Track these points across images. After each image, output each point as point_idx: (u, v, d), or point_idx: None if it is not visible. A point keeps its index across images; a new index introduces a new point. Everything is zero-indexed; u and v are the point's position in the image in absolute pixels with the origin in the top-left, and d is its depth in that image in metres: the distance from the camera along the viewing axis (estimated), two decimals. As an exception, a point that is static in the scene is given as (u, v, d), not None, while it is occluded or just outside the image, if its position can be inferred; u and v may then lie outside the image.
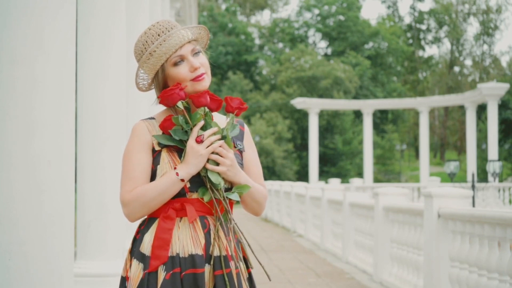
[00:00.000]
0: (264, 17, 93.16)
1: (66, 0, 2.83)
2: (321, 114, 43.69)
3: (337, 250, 11.20)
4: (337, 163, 45.49)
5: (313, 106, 32.49)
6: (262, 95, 48.37)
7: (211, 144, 2.24)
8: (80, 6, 5.25)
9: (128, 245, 6.29)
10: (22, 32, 2.67)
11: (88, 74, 5.24)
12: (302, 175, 42.70)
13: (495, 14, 60.39)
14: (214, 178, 2.24)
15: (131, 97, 6.79)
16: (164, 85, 2.31)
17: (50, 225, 2.72)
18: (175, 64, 2.27)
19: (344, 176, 42.43)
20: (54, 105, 2.75)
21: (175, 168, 2.22)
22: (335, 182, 26.07)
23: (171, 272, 2.19)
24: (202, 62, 2.30)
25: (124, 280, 2.29)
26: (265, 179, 38.72)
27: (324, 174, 42.32)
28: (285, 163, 42.76)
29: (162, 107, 2.41)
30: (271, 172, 41.99)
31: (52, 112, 2.74)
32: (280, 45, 55.61)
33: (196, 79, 2.27)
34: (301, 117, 45.53)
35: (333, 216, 11.85)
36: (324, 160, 44.29)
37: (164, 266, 2.19)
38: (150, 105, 2.48)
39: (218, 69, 49.40)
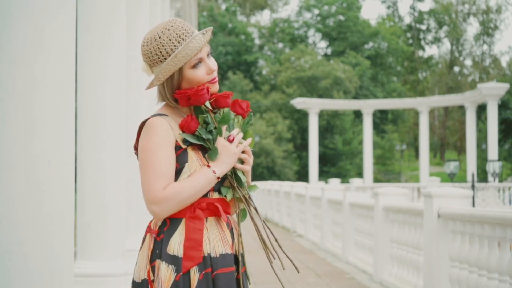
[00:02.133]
0: (264, 17, 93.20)
1: (66, 0, 2.83)
2: (321, 114, 43.70)
3: (337, 250, 11.19)
4: (337, 163, 45.50)
5: (313, 106, 32.50)
6: (262, 95, 48.38)
7: (239, 143, 2.29)
8: (80, 6, 5.25)
9: (130, 245, 6.29)
10: (22, 32, 2.67)
11: (88, 74, 5.24)
12: (302, 175, 42.70)
13: (495, 14, 60.41)
14: (242, 176, 2.30)
15: (131, 97, 6.79)
16: (178, 87, 2.29)
17: (50, 225, 2.71)
18: (194, 66, 2.27)
19: (344, 176, 42.44)
20: (54, 105, 2.75)
21: (208, 167, 2.23)
22: (335, 182, 26.06)
23: (204, 272, 2.19)
24: (215, 64, 2.34)
25: (145, 284, 2.23)
26: (265, 179, 38.79)
27: (324, 174, 42.32)
28: (285, 163, 42.77)
29: (160, 105, 2.40)
30: (271, 172, 41.99)
31: (52, 112, 2.74)
32: (280, 45, 55.62)
33: (212, 81, 2.30)
34: (301, 117, 45.53)
35: (333, 216, 11.85)
36: (324, 160, 44.30)
37: (197, 267, 2.19)
38: (155, 104, 2.45)
39: (218, 69, 49.44)
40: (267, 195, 22.66)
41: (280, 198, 19.47)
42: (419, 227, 6.87)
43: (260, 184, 26.19)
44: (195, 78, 2.27)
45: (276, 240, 2.36)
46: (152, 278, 2.21)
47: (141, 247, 2.29)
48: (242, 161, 2.32)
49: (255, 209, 2.32)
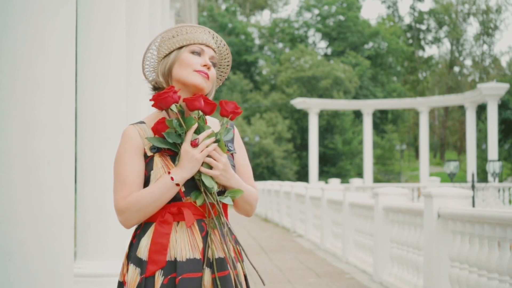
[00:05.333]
0: (264, 17, 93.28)
1: (66, 0, 2.83)
2: (321, 114, 43.71)
3: (337, 250, 11.19)
4: (337, 163, 45.51)
5: (313, 106, 32.51)
6: (262, 95, 48.39)
7: (206, 147, 2.24)
8: (80, 6, 5.25)
9: (125, 248, 6.30)
10: (22, 32, 2.67)
11: (88, 74, 5.24)
12: (302, 175, 42.71)
13: (495, 14, 60.45)
14: (207, 181, 2.23)
15: (131, 97, 6.79)
16: (169, 70, 2.31)
17: (50, 225, 2.71)
18: (192, 52, 2.32)
19: (344, 176, 42.46)
20: (54, 105, 2.75)
21: (169, 173, 2.20)
22: (335, 182, 26.06)
23: (169, 276, 2.18)
24: (212, 72, 2.34)
25: (121, 285, 2.28)
26: (265, 179, 38.76)
27: (324, 174, 42.34)
28: (285, 163, 42.77)
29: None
30: (271, 172, 41.99)
31: (52, 112, 2.74)
32: (280, 45, 55.63)
33: (200, 72, 2.30)
34: (301, 117, 45.55)
35: (333, 216, 11.85)
36: (324, 160, 44.31)
37: (162, 271, 2.18)
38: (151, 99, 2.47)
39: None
40: (267, 195, 22.66)
41: (280, 198, 19.47)
42: (419, 227, 6.87)
43: (260, 184, 26.18)
44: (187, 60, 2.30)
45: (243, 250, 2.34)
46: (125, 279, 2.26)
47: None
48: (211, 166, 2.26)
49: (221, 214, 2.26)
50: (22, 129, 2.67)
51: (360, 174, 42.61)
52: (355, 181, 26.32)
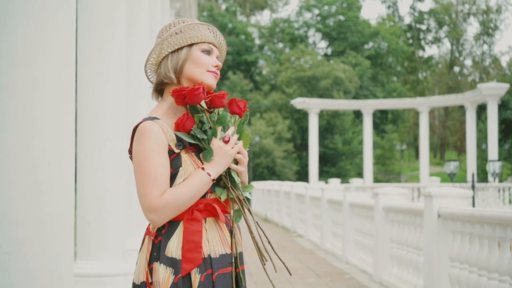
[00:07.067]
0: (264, 17, 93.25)
1: (66, 0, 2.83)
2: (321, 114, 43.69)
3: (337, 250, 11.20)
4: (337, 163, 45.48)
5: (313, 106, 32.49)
6: (262, 95, 48.36)
7: (235, 144, 2.28)
8: (80, 6, 5.25)
9: (130, 245, 6.29)
10: (22, 32, 2.67)
11: (88, 74, 5.25)
12: (302, 175, 42.69)
13: (495, 14, 60.44)
14: (236, 177, 2.28)
15: (131, 97, 6.79)
16: (181, 67, 2.30)
17: (50, 225, 2.71)
18: (203, 51, 2.32)
19: (344, 176, 42.44)
20: (54, 105, 2.75)
21: (203, 169, 2.21)
22: (335, 182, 26.07)
23: (205, 273, 2.18)
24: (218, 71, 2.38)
25: (144, 286, 2.22)
26: (265, 179, 38.78)
27: (324, 174, 42.32)
28: (285, 163, 42.74)
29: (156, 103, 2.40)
30: (271, 172, 41.97)
31: (52, 112, 2.74)
32: (280, 45, 55.60)
33: (213, 72, 2.32)
34: (301, 117, 45.53)
35: (333, 216, 11.85)
36: (324, 160, 44.29)
37: (197, 269, 2.17)
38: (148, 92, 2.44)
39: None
40: (267, 195, 22.65)
41: (280, 198, 19.46)
42: (419, 227, 6.87)
43: (260, 184, 26.18)
44: (200, 59, 2.30)
45: (269, 242, 2.37)
46: (150, 280, 2.21)
47: (140, 249, 2.29)
48: (236, 162, 2.30)
49: (249, 210, 2.30)
50: (22, 129, 2.67)
51: (360, 174, 42.59)
52: (355, 181, 26.32)
